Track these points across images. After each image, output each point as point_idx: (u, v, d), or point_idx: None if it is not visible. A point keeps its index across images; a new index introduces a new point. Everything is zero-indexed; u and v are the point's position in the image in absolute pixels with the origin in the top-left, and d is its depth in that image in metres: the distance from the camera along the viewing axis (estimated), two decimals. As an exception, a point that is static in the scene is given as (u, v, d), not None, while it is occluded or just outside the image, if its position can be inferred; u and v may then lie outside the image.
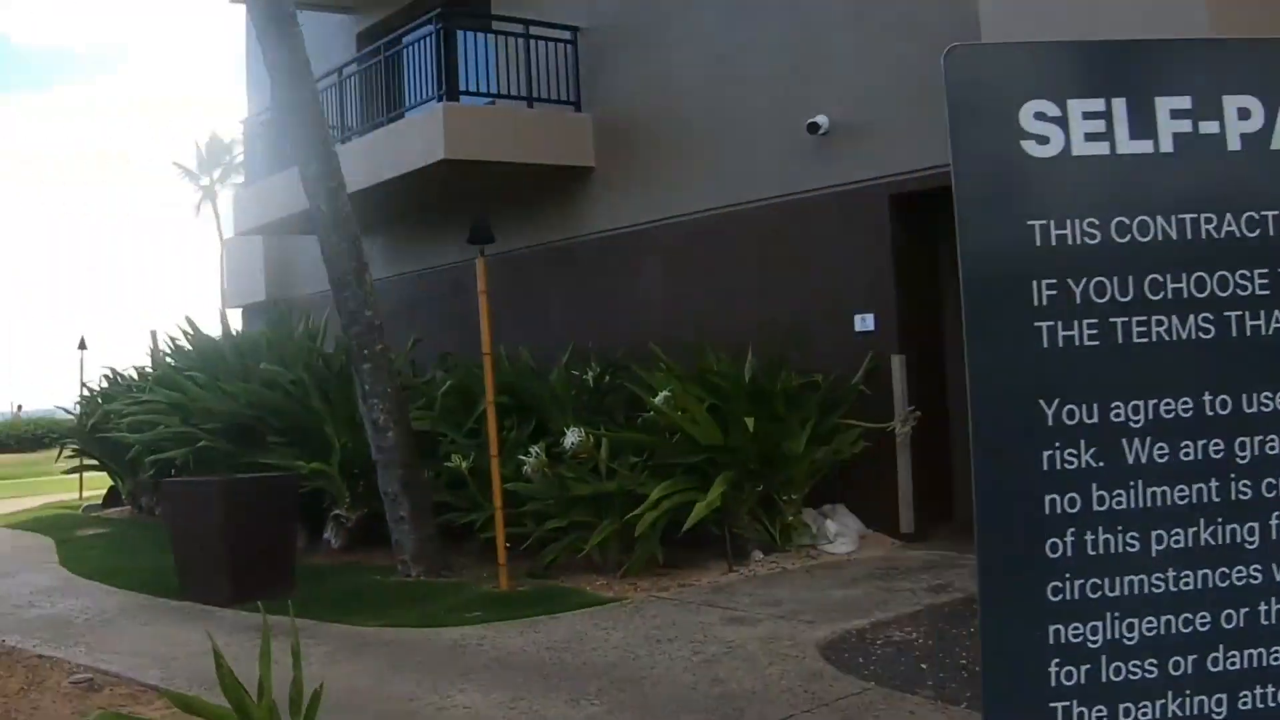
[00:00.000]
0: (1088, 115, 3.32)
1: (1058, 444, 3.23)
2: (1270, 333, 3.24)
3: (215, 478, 12.19)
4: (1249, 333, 3.24)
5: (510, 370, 13.29)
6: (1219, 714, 3.26)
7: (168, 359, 18.23)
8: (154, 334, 20.98)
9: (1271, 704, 3.26)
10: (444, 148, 14.24)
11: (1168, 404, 3.24)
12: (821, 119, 12.51)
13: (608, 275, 15.24)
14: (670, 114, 14.42)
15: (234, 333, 17.82)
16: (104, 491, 21.55)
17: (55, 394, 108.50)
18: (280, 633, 9.71)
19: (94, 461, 21.01)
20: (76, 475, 22.58)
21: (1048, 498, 3.23)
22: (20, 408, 51.40)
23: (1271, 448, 3.24)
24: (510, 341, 13.88)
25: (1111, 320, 3.24)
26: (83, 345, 24.85)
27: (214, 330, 17.83)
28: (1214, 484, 3.24)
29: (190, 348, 17.13)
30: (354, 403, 13.04)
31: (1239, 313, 3.24)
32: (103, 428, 18.80)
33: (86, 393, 21.53)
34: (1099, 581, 3.23)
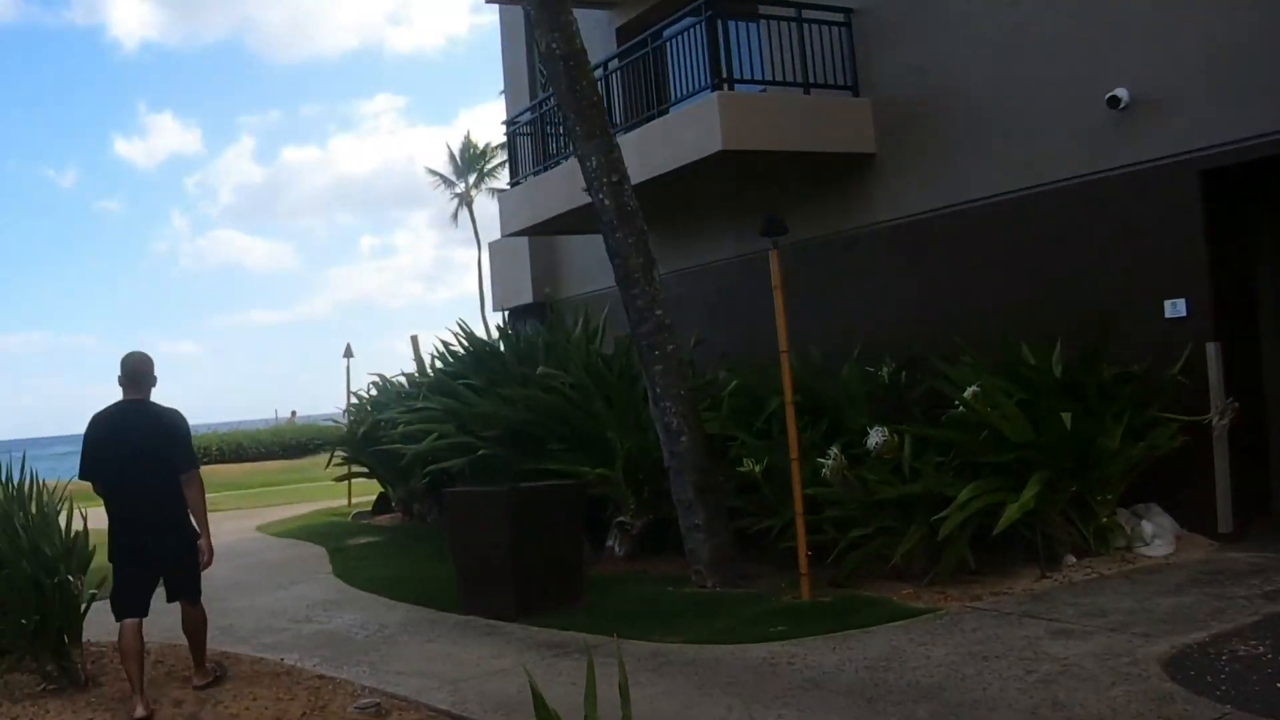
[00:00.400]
0: None
1: None
2: None
3: (501, 487, 11.76)
4: None
5: (799, 368, 12.64)
6: None
7: (436, 362, 18.12)
8: (414, 339, 21.00)
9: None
10: (721, 138, 13.63)
11: None
12: (1121, 92, 11.63)
13: (892, 267, 14.47)
14: (954, 95, 13.60)
15: (511, 335, 17.52)
16: (372, 498, 21.52)
17: (323, 401, 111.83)
18: (574, 650, 9.29)
19: (363, 469, 20.96)
20: (346, 483, 22.60)
21: None
22: (294, 414, 52.71)
23: None
24: (791, 337, 13.30)
25: None
26: (349, 353, 25.02)
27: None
28: None
29: (463, 352, 16.82)
30: (637, 405, 12.61)
31: None
32: (373, 436, 18.72)
33: (355, 400, 21.52)
34: None
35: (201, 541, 8.80)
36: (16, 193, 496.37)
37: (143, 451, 8.64)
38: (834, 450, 10.76)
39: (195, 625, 8.90)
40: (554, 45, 11.63)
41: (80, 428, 8.86)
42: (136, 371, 8.86)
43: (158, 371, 9.02)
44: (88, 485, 8.81)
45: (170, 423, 8.86)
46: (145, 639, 8.78)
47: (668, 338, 11.50)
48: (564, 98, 11.77)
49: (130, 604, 8.57)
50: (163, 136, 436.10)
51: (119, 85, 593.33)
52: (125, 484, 8.62)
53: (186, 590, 8.87)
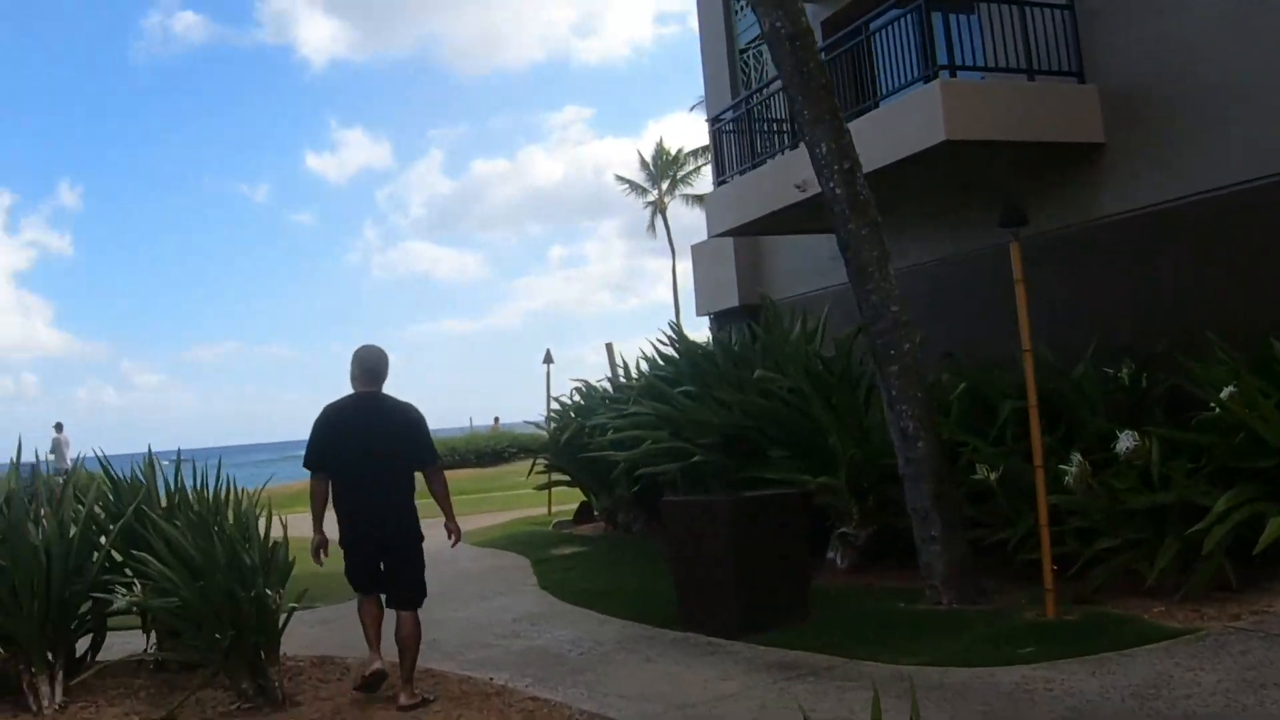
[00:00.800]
0: None
1: None
2: None
3: (724, 496, 11.26)
4: None
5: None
6: None
7: (641, 364, 17.78)
8: (609, 347, 20.78)
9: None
10: (944, 128, 12.98)
11: None
12: (1378, 63, 10.73)
13: (1123, 261, 13.62)
14: (1190, 77, 12.71)
15: (724, 337, 17.03)
16: (573, 506, 21.22)
17: (513, 408, 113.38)
18: (807, 672, 8.71)
19: (564, 476, 20.59)
20: (545, 491, 22.27)
21: None
22: (497, 420, 52.83)
23: None
24: (1008, 336, 12.55)
25: None
26: (548, 359, 24.83)
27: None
28: None
29: (674, 355, 16.34)
30: (859, 409, 12.03)
31: None
32: (577, 442, 18.36)
33: (556, 406, 21.20)
34: None
35: (449, 522, 8.91)
36: (212, 208, 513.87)
37: (380, 445, 8.67)
38: (1076, 456, 10.11)
39: (408, 634, 8.63)
40: (779, 24, 11.11)
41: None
42: (374, 364, 8.87)
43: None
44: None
45: (410, 417, 8.91)
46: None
47: (903, 336, 10.89)
48: (790, 79, 11.25)
49: (363, 585, 8.82)
50: (353, 151, 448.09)
51: (310, 102, 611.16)
52: (356, 476, 8.65)
53: (406, 594, 8.74)
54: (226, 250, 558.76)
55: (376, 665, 8.51)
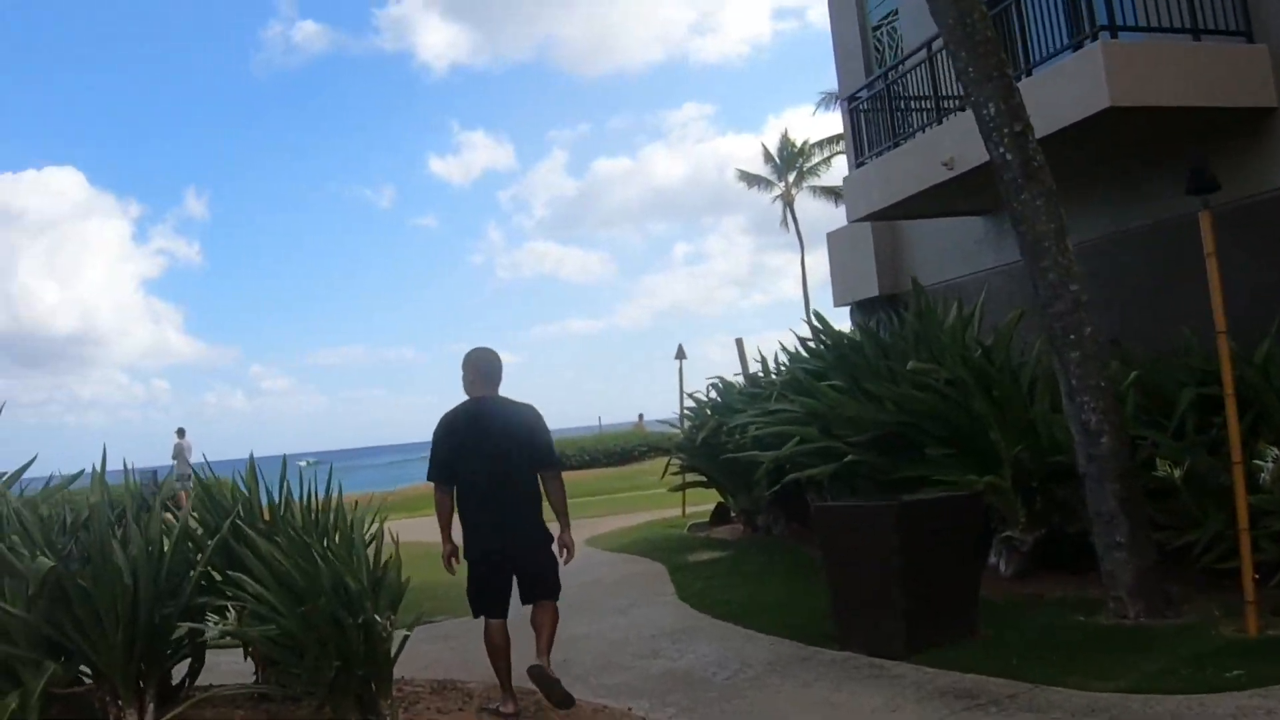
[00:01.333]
0: None
1: None
2: None
3: (888, 500, 10.28)
4: None
5: (1203, 354, 11.02)
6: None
7: (779, 356, 17.10)
8: (739, 342, 20.13)
9: None
10: (1108, 93, 11.97)
11: None
12: None
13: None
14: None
15: (872, 328, 16.17)
16: (707, 508, 20.39)
17: (650, 405, 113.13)
18: (987, 700, 7.75)
19: (700, 476, 19.73)
20: (680, 492, 21.49)
21: None
22: (641, 417, 52.52)
23: None
24: (1173, 321, 11.94)
25: None
26: (681, 354, 24.18)
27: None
28: None
29: (818, 348, 15.45)
30: (1023, 402, 11.21)
31: None
32: (715, 440, 17.53)
33: (691, 404, 20.39)
34: None
35: (564, 535, 8.48)
36: (337, 214, 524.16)
37: (505, 448, 8.36)
38: (1273, 450, 9.18)
39: (548, 616, 8.28)
40: None
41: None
42: (489, 367, 8.62)
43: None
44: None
45: (531, 418, 8.58)
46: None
47: (1084, 318, 9.93)
48: (952, 34, 10.40)
49: (486, 606, 8.38)
50: (476, 154, 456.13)
51: (431, 106, 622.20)
52: (483, 483, 8.30)
53: (543, 588, 8.38)
54: (351, 254, 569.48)
55: (510, 709, 8.16)
